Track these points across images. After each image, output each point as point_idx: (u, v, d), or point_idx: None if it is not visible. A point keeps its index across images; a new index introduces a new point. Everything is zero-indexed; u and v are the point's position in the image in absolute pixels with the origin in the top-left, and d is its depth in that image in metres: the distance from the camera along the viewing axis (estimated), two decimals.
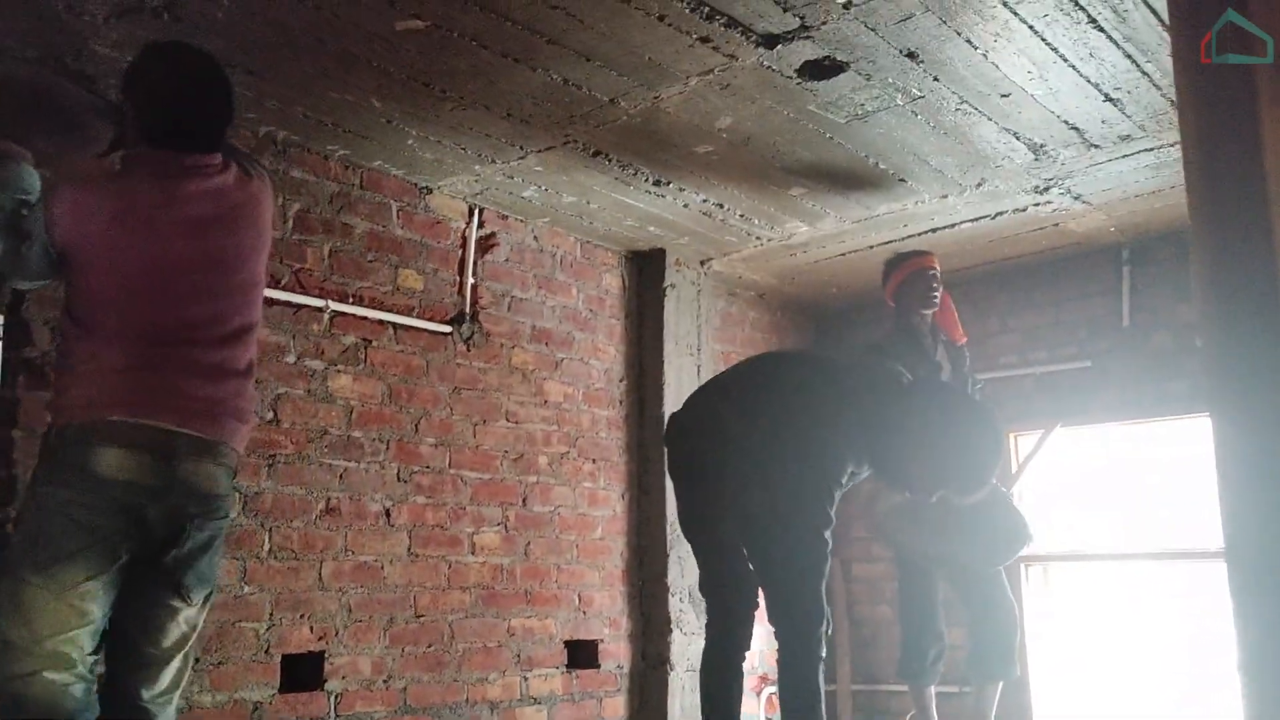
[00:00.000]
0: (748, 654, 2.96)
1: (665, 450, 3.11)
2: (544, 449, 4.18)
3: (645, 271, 4.69)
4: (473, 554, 3.84)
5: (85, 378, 2.13)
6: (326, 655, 3.33)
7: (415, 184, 3.81)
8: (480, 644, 3.81)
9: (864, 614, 5.34)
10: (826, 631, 2.75)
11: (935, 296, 3.93)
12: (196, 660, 2.98)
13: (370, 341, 3.61)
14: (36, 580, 2.05)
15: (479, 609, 3.83)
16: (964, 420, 2.70)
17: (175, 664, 2.24)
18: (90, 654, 2.10)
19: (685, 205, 4.06)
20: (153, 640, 2.20)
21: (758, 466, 2.80)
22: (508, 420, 4.06)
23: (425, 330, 3.78)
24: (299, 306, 3.41)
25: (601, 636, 4.28)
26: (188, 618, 2.24)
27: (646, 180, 3.79)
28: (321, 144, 3.46)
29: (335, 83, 3.01)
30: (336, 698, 3.36)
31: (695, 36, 2.78)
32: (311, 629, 3.32)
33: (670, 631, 4.35)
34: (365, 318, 3.59)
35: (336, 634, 3.37)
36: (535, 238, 4.28)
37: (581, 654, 4.21)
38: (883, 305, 5.45)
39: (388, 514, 3.58)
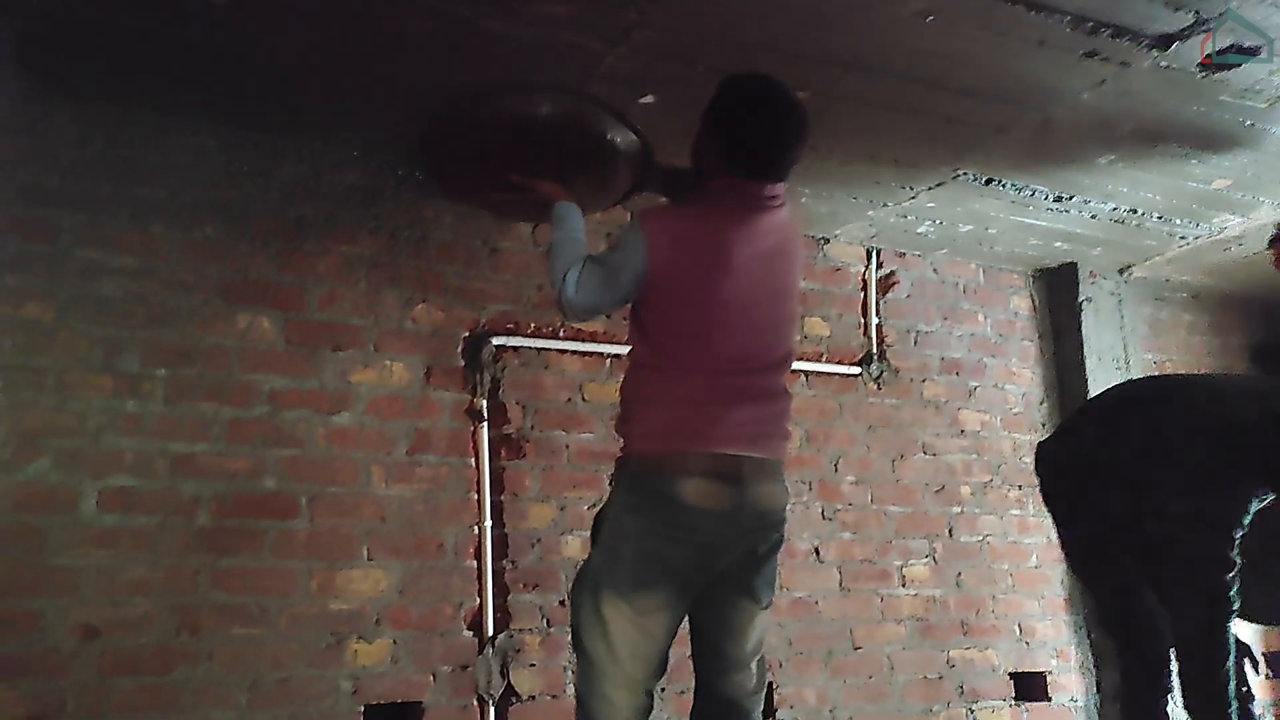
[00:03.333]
0: (1170, 696, 2.73)
1: (1038, 480, 2.99)
2: (965, 479, 4.16)
3: (1056, 288, 4.52)
4: (903, 586, 3.91)
5: (663, 409, 2.22)
6: (775, 686, 3.56)
7: (813, 236, 4.00)
8: (920, 675, 3.86)
9: None
10: (1229, 671, 2.49)
11: None
12: None
13: None
14: (617, 601, 2.17)
15: (915, 640, 3.88)
16: None
17: (756, 664, 2.35)
18: (655, 677, 2.25)
19: (1093, 216, 3.89)
20: (737, 643, 2.31)
21: (1148, 500, 2.61)
22: (925, 453, 4.09)
23: (836, 374, 3.94)
24: None
25: (1049, 668, 4.14)
26: (760, 620, 2.34)
27: (1046, 198, 3.69)
28: None
29: None
30: None
31: (1080, 53, 2.71)
32: None
33: None
34: None
35: (781, 666, 3.59)
36: (935, 270, 4.30)
37: (1029, 686, 4.09)
38: None
39: (816, 551, 3.77)
